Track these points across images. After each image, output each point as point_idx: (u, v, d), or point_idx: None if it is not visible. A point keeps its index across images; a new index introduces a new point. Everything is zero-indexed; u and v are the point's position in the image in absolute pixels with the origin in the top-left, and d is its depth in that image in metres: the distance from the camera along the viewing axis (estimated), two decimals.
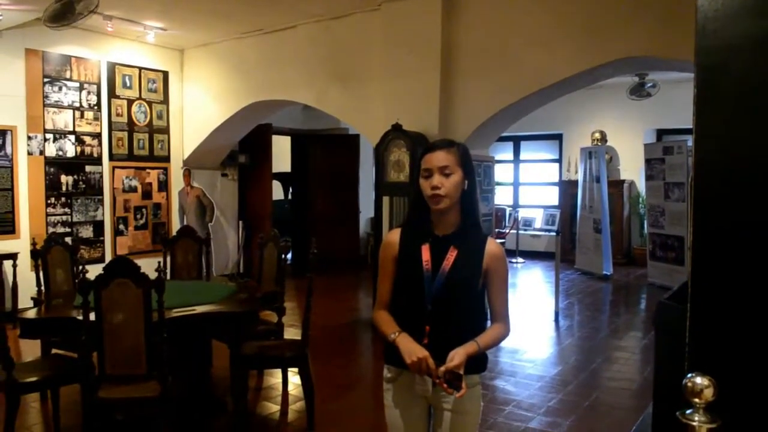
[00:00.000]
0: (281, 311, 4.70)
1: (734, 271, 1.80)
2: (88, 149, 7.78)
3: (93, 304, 3.20)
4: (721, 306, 1.82)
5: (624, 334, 6.59)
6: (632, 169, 11.46)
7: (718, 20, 1.87)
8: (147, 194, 8.47)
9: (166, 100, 8.68)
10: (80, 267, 3.28)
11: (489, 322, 2.17)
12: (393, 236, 2.22)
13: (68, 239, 6.93)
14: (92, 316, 3.22)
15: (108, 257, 7.89)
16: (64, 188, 7.54)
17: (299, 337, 4.25)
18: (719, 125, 1.87)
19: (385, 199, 6.45)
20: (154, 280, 3.23)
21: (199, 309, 3.83)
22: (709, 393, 1.25)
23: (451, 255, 2.08)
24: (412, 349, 2.01)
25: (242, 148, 9.56)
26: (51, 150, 7.39)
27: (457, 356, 1.98)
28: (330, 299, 7.89)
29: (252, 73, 8.10)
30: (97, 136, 7.88)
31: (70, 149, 7.59)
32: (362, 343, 6.45)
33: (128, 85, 8.22)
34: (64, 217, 7.54)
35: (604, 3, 5.54)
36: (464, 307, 2.11)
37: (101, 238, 7.93)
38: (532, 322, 6.88)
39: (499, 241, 2.63)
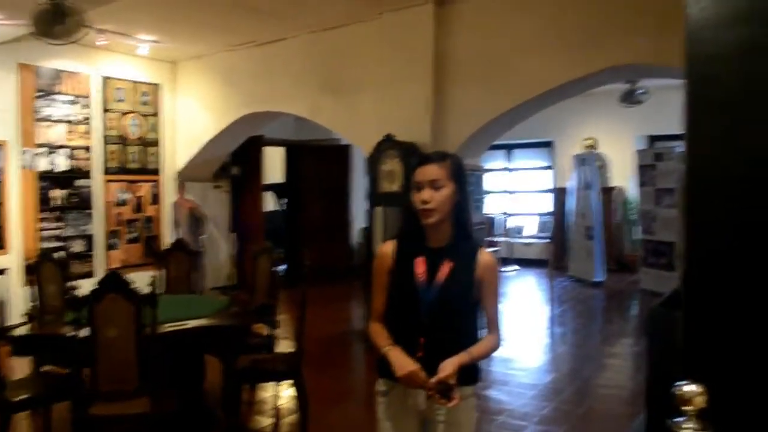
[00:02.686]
0: (274, 324, 4.69)
1: (727, 278, 1.81)
2: (80, 163, 7.77)
3: (85, 319, 3.20)
4: (715, 312, 1.83)
5: (616, 341, 6.61)
6: (624, 176, 11.50)
7: (708, 28, 1.89)
8: (139, 207, 8.45)
9: (158, 113, 8.68)
10: (70, 283, 3.27)
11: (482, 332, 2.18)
12: (387, 248, 2.23)
13: (61, 254, 6.94)
14: (85, 332, 3.22)
15: (99, 271, 7.85)
16: (56, 203, 7.52)
17: (292, 350, 4.24)
18: (710, 133, 1.89)
19: (378, 210, 6.45)
20: (146, 295, 3.23)
21: (191, 323, 3.82)
22: (700, 400, 1.26)
23: (446, 267, 2.10)
24: (403, 363, 2.03)
25: (234, 160, 9.56)
26: (43, 164, 7.38)
27: (448, 366, 2.00)
28: (322, 310, 7.87)
29: (245, 85, 8.12)
30: (89, 149, 7.87)
31: (62, 163, 7.58)
32: (355, 354, 6.44)
33: (121, 98, 8.22)
34: (57, 232, 7.52)
35: (596, 11, 5.57)
36: (459, 319, 2.13)
37: (91, 253, 7.90)
38: (526, 330, 6.89)
39: (492, 249, 2.65)
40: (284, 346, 5.59)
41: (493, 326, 2.17)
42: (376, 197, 6.49)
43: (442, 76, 6.38)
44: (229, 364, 4.05)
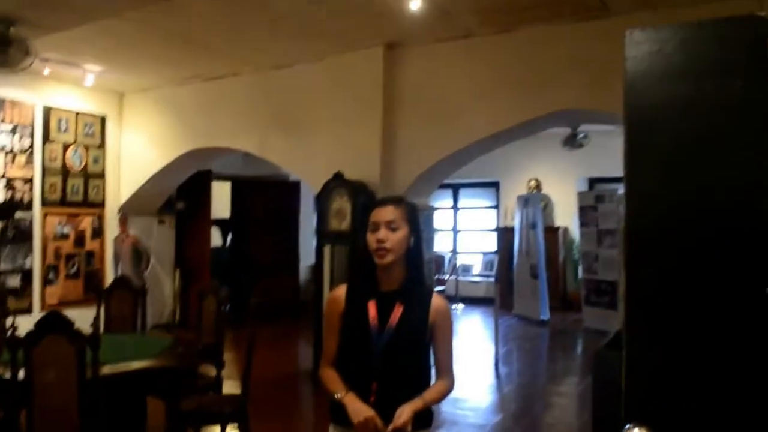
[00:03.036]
0: (220, 364, 4.58)
1: (667, 319, 1.89)
2: (19, 194, 7.50)
3: (23, 361, 3.05)
4: (655, 355, 1.90)
5: (562, 380, 6.70)
6: (566, 216, 11.82)
7: (645, 80, 2.00)
8: (80, 241, 8.19)
9: (103, 145, 8.49)
10: (12, 321, 3.12)
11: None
12: (339, 292, 2.22)
13: None
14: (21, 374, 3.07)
15: (36, 308, 7.55)
16: None
17: (239, 391, 4.14)
18: (647, 179, 1.99)
19: (327, 248, 6.43)
20: (89, 336, 3.12)
21: (135, 365, 3.70)
22: None
23: (398, 311, 2.10)
24: (359, 409, 2.01)
25: (180, 195, 9.39)
26: None
27: (404, 413, 2.00)
28: (269, 349, 7.72)
29: (193, 120, 8.04)
30: (29, 181, 7.61)
31: (0, 194, 7.30)
32: (304, 397, 6.33)
33: (64, 128, 8.02)
34: None
35: (541, 59, 5.78)
36: (412, 363, 2.12)
37: (29, 288, 7.59)
38: (473, 370, 6.91)
39: (439, 288, 2.67)
40: (230, 387, 5.45)
41: (446, 371, 2.18)
42: (324, 235, 6.47)
43: (392, 116, 6.47)
44: (174, 407, 3.93)
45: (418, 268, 2.18)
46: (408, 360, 2.11)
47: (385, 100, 6.44)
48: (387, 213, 2.11)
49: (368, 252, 2.13)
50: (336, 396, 2.08)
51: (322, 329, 2.25)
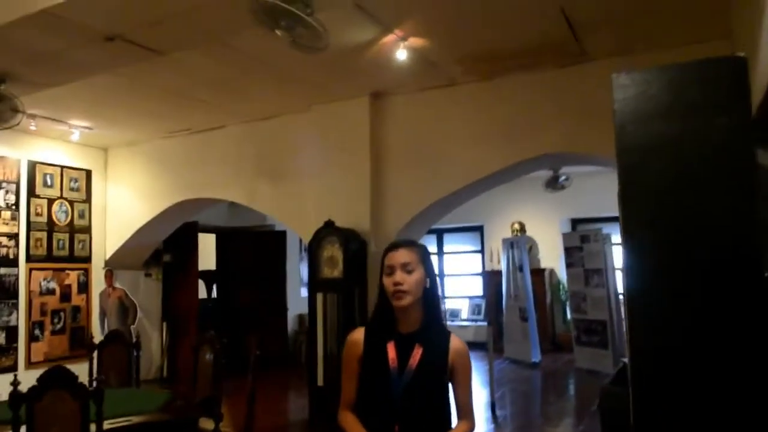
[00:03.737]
0: (219, 417, 4.50)
1: (671, 354, 1.93)
2: (3, 250, 7.42)
3: (24, 419, 2.99)
4: (661, 391, 1.93)
5: (559, 422, 6.66)
6: (551, 258, 11.93)
7: (634, 122, 2.09)
8: (66, 297, 8.08)
9: (88, 199, 8.47)
10: (14, 377, 3.06)
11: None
12: (357, 335, 2.24)
13: None
14: None
15: (21, 365, 7.39)
16: None
17: None
18: (642, 216, 2.06)
19: (319, 296, 6.41)
20: (93, 391, 3.07)
21: (136, 419, 3.64)
22: None
23: (417, 352, 2.11)
24: None
25: (167, 247, 9.34)
26: None
27: None
28: (262, 400, 7.59)
29: (179, 172, 8.06)
30: (14, 236, 7.54)
31: None
32: None
33: (49, 184, 8.00)
34: None
35: (524, 104, 5.94)
36: (432, 404, 2.12)
37: (14, 345, 7.44)
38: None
39: None
40: None
41: (466, 413, 2.19)
42: (316, 283, 6.46)
43: (380, 163, 6.56)
44: None
45: (436, 309, 2.21)
46: (429, 401, 2.12)
47: (372, 148, 6.53)
48: (402, 256, 2.14)
49: (385, 295, 2.15)
50: None
51: (341, 373, 2.25)
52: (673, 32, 5.09)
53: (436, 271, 2.30)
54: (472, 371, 2.22)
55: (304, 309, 10.68)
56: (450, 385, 2.17)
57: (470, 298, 12.60)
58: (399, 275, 2.11)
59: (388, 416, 2.08)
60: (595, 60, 5.60)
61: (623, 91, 2.10)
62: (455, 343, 2.18)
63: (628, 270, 2.06)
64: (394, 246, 2.20)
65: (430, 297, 2.18)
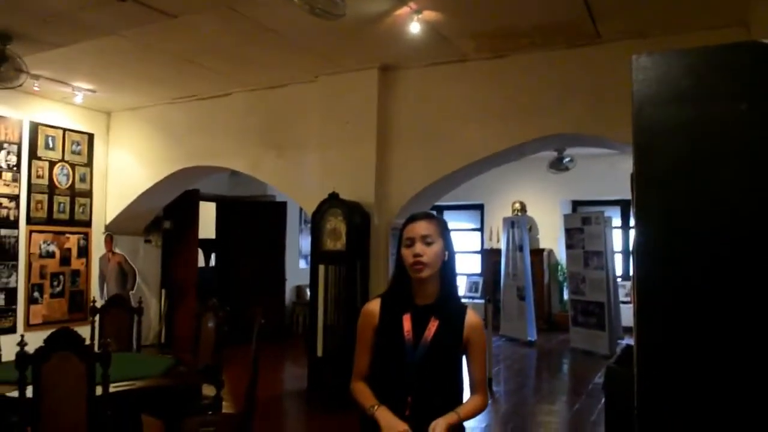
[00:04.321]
0: (220, 384, 4.52)
1: (679, 336, 1.93)
2: (4, 212, 7.38)
3: (31, 379, 3.00)
4: (666, 369, 1.94)
5: (555, 399, 6.73)
6: (550, 238, 11.96)
7: (653, 105, 2.07)
8: (65, 260, 8.06)
9: (90, 163, 8.41)
10: (21, 338, 3.05)
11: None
12: (373, 306, 2.23)
13: None
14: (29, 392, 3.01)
15: (20, 327, 7.40)
16: None
17: (234, 411, 4.10)
18: (656, 200, 2.05)
19: (321, 268, 6.41)
20: (100, 354, 3.07)
21: (139, 383, 3.65)
22: None
23: (433, 325, 2.11)
24: (392, 423, 2.01)
25: (167, 214, 9.30)
26: None
27: (438, 427, 2.01)
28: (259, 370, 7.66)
29: (183, 139, 8.00)
30: (15, 198, 7.50)
31: None
32: (300, 417, 6.26)
33: (51, 146, 7.93)
34: None
35: (534, 84, 5.89)
36: (446, 377, 2.13)
37: (13, 307, 7.44)
38: (466, 390, 6.91)
39: None
40: (228, 407, 5.38)
41: (480, 387, 2.20)
42: (318, 255, 6.45)
43: (386, 137, 6.51)
44: (175, 427, 3.87)
45: (452, 283, 2.21)
46: (443, 374, 2.12)
47: (379, 121, 6.48)
48: (422, 228, 2.13)
49: (402, 266, 2.15)
50: (369, 410, 2.08)
51: (356, 344, 2.25)
52: (689, 17, 5.04)
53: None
54: (485, 347, 2.22)
55: (302, 281, 10.77)
56: (464, 359, 2.18)
57: (468, 275, 12.63)
58: (419, 247, 2.11)
59: (401, 387, 2.09)
60: (609, 42, 5.55)
61: (643, 72, 2.07)
62: (471, 317, 2.18)
63: (638, 253, 2.06)
64: (414, 218, 2.20)
65: (448, 270, 2.18)
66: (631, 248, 10.82)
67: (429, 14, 5.10)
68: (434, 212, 2.32)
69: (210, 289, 10.15)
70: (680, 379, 1.89)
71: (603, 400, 4.13)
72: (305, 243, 11.12)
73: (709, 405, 1.85)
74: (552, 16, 5.14)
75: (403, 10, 5.03)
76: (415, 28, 5.24)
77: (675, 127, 2.00)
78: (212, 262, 11.99)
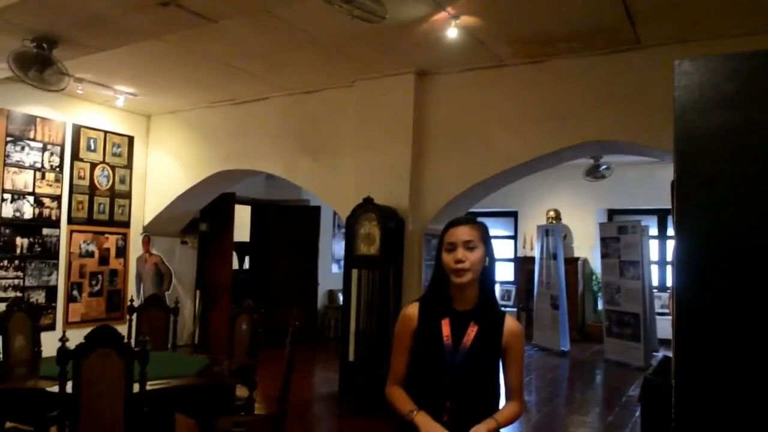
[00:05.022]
0: (253, 385, 4.56)
1: (717, 350, 1.88)
2: (46, 211, 7.57)
3: (71, 375, 3.06)
4: (705, 382, 1.89)
5: (588, 410, 6.63)
6: (585, 247, 11.81)
7: (695, 111, 2.02)
8: (104, 260, 8.22)
9: (129, 165, 8.57)
10: (63, 333, 3.12)
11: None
12: (411, 310, 2.22)
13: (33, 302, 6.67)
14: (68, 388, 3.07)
15: (59, 325, 7.56)
16: (18, 251, 7.27)
17: (265, 412, 4.13)
18: (698, 208, 2.00)
19: (354, 272, 6.42)
20: (139, 351, 3.12)
21: (175, 382, 3.70)
22: None
23: (472, 330, 2.10)
24: (431, 427, 2.01)
25: (203, 216, 9.44)
26: (8, 211, 7.16)
27: None
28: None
29: (220, 142, 8.11)
30: (57, 198, 7.69)
31: (27, 211, 7.37)
32: (331, 420, 6.28)
33: (92, 148, 8.11)
34: (16, 281, 7.24)
35: (571, 90, 5.84)
36: (484, 383, 2.12)
37: (53, 305, 7.62)
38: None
39: None
40: (260, 408, 5.42)
41: (517, 394, 2.18)
42: (352, 260, 6.46)
43: (421, 143, 6.51)
44: (209, 426, 3.91)
45: (491, 289, 2.19)
46: (482, 380, 2.11)
47: (415, 126, 6.48)
48: (464, 233, 2.12)
49: (442, 271, 2.14)
50: (408, 415, 2.07)
51: (392, 348, 2.24)
52: (730, 22, 4.95)
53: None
54: (524, 354, 2.20)
55: (335, 285, 10.81)
56: (501, 366, 2.16)
57: (501, 283, 12.53)
58: (461, 252, 2.10)
59: (440, 392, 2.08)
60: (647, 48, 5.47)
61: (685, 78, 2.03)
62: (510, 323, 2.16)
63: (679, 263, 2.01)
64: (456, 222, 2.19)
65: (488, 276, 2.16)
66: (669, 258, 10.60)
67: (466, 19, 5.10)
68: (475, 218, 2.29)
69: (244, 292, 10.25)
70: (719, 393, 1.85)
71: (637, 413, 4.07)
72: (338, 247, 11.16)
73: (748, 419, 1.80)
74: (591, 22, 5.09)
75: (441, 16, 5.03)
76: (452, 33, 5.23)
77: (718, 133, 1.96)
78: (246, 265, 12.12)
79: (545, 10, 4.92)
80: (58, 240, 7.69)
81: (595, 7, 4.83)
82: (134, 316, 5.17)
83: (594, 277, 11.44)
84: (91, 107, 8.06)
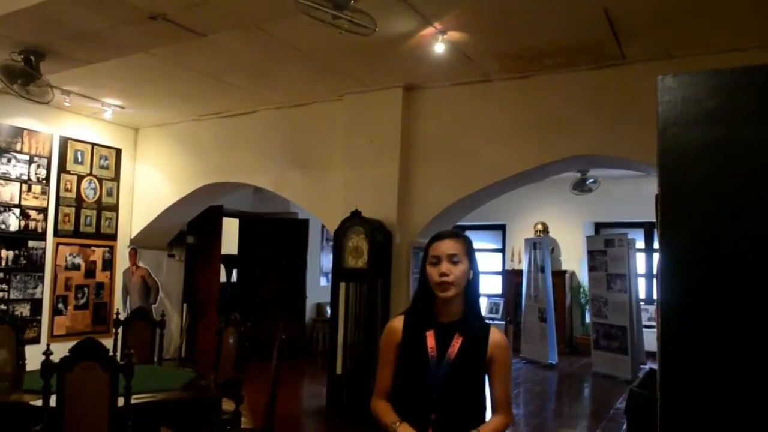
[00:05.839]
0: (240, 399, 4.53)
1: (702, 362, 1.90)
2: (32, 224, 7.51)
3: (55, 388, 3.04)
4: (690, 394, 1.91)
5: (576, 423, 6.64)
6: (573, 260, 11.86)
7: (678, 125, 2.06)
8: (90, 273, 8.16)
9: (117, 178, 8.54)
10: (47, 347, 3.10)
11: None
12: (396, 323, 2.23)
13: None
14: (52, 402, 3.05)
15: (44, 338, 7.49)
16: (3, 263, 7.21)
17: (256, 426, 4.10)
18: (681, 222, 2.03)
19: (342, 285, 6.42)
20: (124, 365, 3.10)
21: (160, 395, 3.68)
22: None
23: (456, 342, 2.11)
24: None
25: (191, 229, 9.39)
26: None
27: None
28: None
29: (208, 155, 8.10)
30: (43, 210, 7.63)
31: (13, 223, 7.31)
32: None
33: (80, 160, 8.07)
34: (1, 294, 7.16)
35: (557, 104, 5.90)
36: (469, 395, 2.12)
37: (38, 317, 7.54)
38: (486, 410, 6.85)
39: None
40: (247, 422, 5.38)
41: (503, 407, 2.17)
42: (340, 273, 6.46)
43: (409, 157, 6.54)
44: None
45: (476, 302, 2.21)
46: (466, 392, 2.11)
47: (403, 140, 6.51)
48: (448, 246, 2.14)
49: (426, 283, 2.15)
50: (390, 427, 2.07)
51: (377, 361, 2.24)
52: (714, 39, 5.02)
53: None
54: (510, 366, 2.21)
55: (323, 298, 10.79)
56: (486, 378, 2.17)
57: (489, 296, 12.56)
58: (445, 266, 2.11)
59: (424, 405, 2.08)
60: (634, 63, 5.54)
61: (668, 93, 2.06)
62: (495, 335, 2.17)
63: (663, 276, 2.03)
64: (440, 236, 2.20)
65: (472, 289, 2.18)
66: (655, 271, 10.68)
67: (454, 35, 5.14)
68: (459, 231, 2.31)
69: (231, 305, 10.19)
70: (703, 405, 1.86)
71: (624, 425, 4.08)
72: (326, 260, 11.15)
73: (732, 431, 1.82)
74: (577, 37, 5.15)
75: (428, 31, 5.07)
76: (439, 48, 5.28)
77: (700, 148, 1.99)
78: (234, 278, 12.06)
79: (531, 26, 4.98)
80: (44, 252, 7.63)
81: (581, 24, 4.89)
82: (120, 330, 5.15)
83: (581, 289, 11.49)
84: (78, 119, 8.03)
